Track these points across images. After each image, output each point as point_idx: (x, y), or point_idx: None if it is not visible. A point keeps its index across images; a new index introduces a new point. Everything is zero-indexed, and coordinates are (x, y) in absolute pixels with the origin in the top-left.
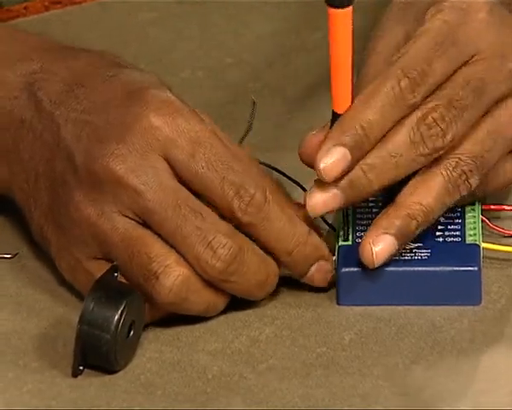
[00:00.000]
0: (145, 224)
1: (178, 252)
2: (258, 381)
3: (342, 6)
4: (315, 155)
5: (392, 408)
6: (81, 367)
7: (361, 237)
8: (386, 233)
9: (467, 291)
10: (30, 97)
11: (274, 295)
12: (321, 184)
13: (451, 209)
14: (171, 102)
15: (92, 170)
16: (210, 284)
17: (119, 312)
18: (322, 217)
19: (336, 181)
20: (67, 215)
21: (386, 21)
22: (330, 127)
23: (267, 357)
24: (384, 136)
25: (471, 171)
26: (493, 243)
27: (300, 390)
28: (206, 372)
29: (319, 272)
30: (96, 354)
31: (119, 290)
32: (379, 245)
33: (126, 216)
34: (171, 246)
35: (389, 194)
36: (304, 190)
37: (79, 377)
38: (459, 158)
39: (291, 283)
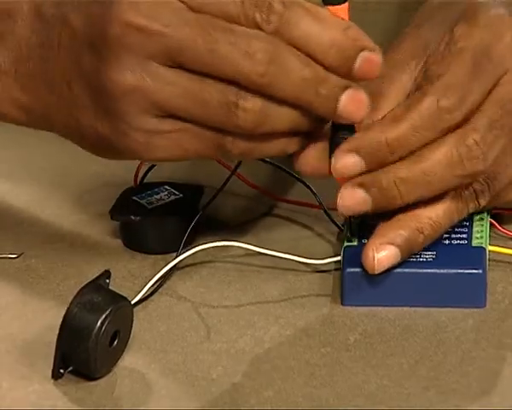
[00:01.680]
0: (185, 68)
1: (225, 79)
2: (262, 381)
3: (339, 3)
4: (315, 168)
5: (397, 408)
6: (62, 371)
7: (367, 238)
8: (392, 244)
9: (471, 294)
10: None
11: (278, 294)
12: (352, 186)
13: None
14: None
15: (109, 34)
16: (287, 102)
17: (101, 319)
18: (331, 217)
19: (367, 188)
20: (111, 95)
21: (415, 21)
22: (330, 134)
23: (271, 357)
24: (421, 150)
25: (482, 191)
26: (500, 246)
27: (305, 390)
28: (211, 372)
29: (366, 62)
30: (76, 360)
31: (105, 297)
32: (381, 253)
33: (165, 65)
34: (217, 77)
35: None
36: (309, 188)
37: (86, 378)
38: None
39: (295, 282)
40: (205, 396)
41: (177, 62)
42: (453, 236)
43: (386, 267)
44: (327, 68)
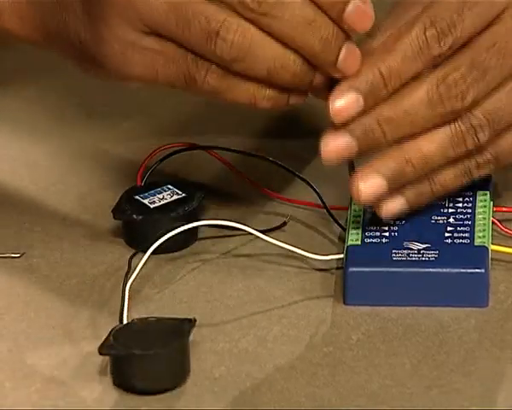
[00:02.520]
0: None
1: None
2: (264, 380)
3: None
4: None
5: (400, 408)
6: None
7: (370, 238)
8: (378, 172)
9: (474, 293)
10: None
11: (281, 294)
12: (335, 132)
13: (462, 211)
14: None
15: None
16: (270, 35)
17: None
18: (333, 217)
19: (350, 130)
20: (103, 2)
21: None
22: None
23: (274, 356)
24: (402, 88)
25: (481, 126)
26: (503, 245)
27: (307, 390)
28: (214, 371)
29: (357, 10)
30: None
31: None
32: (366, 183)
33: None
34: None
35: None
36: (312, 187)
37: (88, 377)
38: (470, 112)
39: (298, 281)
40: (207, 396)
41: None
42: (456, 235)
43: (371, 197)
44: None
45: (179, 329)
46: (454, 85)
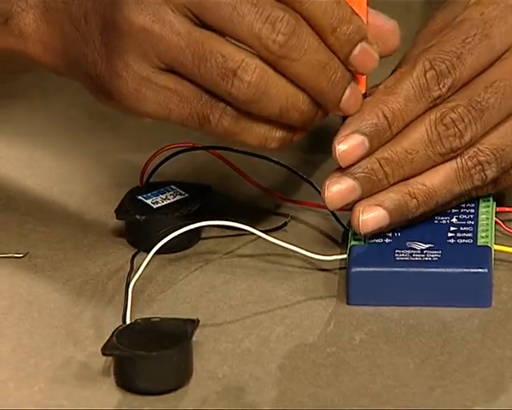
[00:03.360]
0: (201, 22)
1: (239, 40)
2: (267, 380)
3: None
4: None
5: (403, 408)
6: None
7: (373, 238)
8: (380, 206)
9: (477, 293)
10: None
11: (284, 294)
12: (338, 176)
13: (465, 211)
14: None
15: None
16: (288, 78)
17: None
18: (335, 215)
19: (353, 173)
20: (120, 32)
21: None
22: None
23: (277, 356)
24: (403, 129)
25: (488, 162)
26: (506, 245)
27: (310, 390)
28: (217, 372)
29: (363, 53)
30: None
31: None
32: (368, 215)
33: (181, 15)
34: (232, 36)
35: None
36: (315, 188)
37: (91, 377)
38: (478, 148)
39: (301, 282)
40: (211, 396)
41: (195, 14)
42: (459, 235)
43: (372, 229)
44: (329, 45)
45: (182, 330)
46: (452, 125)
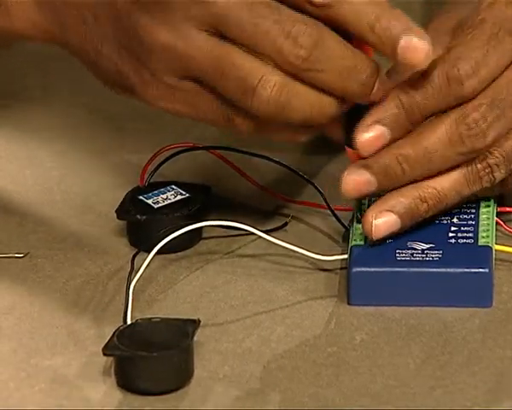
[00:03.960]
0: (223, 37)
1: (262, 54)
2: (268, 380)
3: None
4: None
5: (403, 408)
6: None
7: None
8: (391, 211)
9: (478, 293)
10: None
11: (285, 294)
12: (355, 169)
13: (466, 211)
14: None
15: None
16: (310, 85)
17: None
18: (337, 216)
19: (370, 167)
20: (141, 44)
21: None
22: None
23: (278, 356)
24: (422, 127)
25: (497, 165)
26: (507, 245)
27: (311, 390)
28: (218, 371)
29: (409, 45)
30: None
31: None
32: (380, 219)
33: (203, 31)
34: (254, 51)
35: None
36: (316, 188)
37: (92, 377)
38: (488, 151)
39: (302, 282)
40: (211, 396)
41: (218, 30)
42: (459, 235)
43: (384, 234)
44: (372, 44)
45: (183, 330)
46: (475, 125)
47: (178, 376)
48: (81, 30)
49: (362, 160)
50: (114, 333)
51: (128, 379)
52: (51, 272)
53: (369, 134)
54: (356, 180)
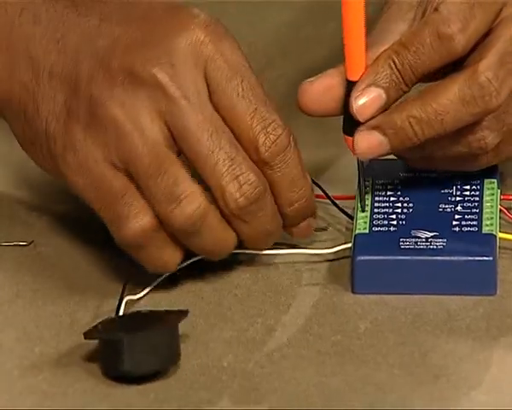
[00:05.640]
0: (174, 141)
1: (204, 179)
2: (272, 369)
3: None
4: (315, 104)
5: (407, 397)
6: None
7: (377, 226)
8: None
9: (482, 281)
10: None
11: (289, 283)
12: (367, 130)
13: (470, 199)
14: (218, 24)
15: (131, 70)
16: (225, 223)
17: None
18: (340, 207)
19: (382, 129)
20: (91, 113)
21: None
22: (345, 96)
23: (282, 345)
24: (432, 88)
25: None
26: (510, 233)
27: (315, 379)
28: (222, 360)
29: (306, 228)
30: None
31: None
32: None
33: (157, 128)
34: (197, 172)
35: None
36: (316, 184)
37: (95, 367)
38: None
39: (306, 271)
40: (216, 384)
41: (171, 133)
42: (463, 223)
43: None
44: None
45: (168, 318)
46: (487, 84)
47: (160, 357)
48: (29, 84)
49: (373, 120)
50: (100, 322)
51: (111, 364)
52: (55, 261)
53: (365, 98)
54: (369, 141)
